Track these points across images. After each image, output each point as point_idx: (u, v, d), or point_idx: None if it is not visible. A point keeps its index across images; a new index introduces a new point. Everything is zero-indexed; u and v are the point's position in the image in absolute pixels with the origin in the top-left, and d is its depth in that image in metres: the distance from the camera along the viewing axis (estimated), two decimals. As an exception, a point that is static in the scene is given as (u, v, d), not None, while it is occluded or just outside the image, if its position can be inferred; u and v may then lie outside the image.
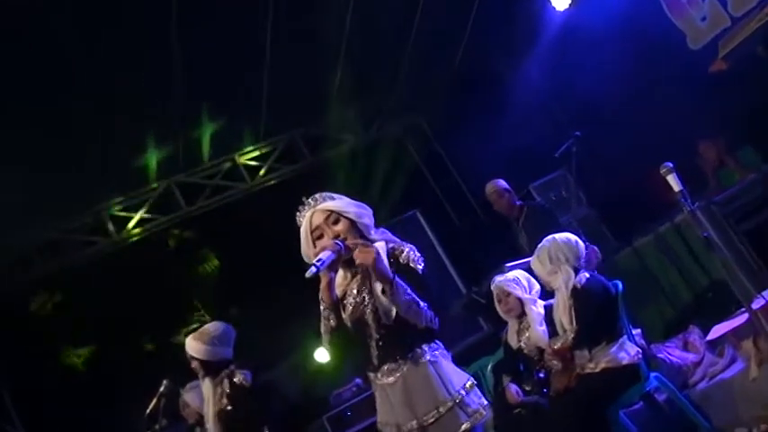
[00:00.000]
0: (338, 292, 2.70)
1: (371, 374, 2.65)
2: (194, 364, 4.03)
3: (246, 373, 3.96)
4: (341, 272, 2.72)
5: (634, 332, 4.04)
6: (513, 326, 4.39)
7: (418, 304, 2.53)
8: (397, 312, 2.53)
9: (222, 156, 7.81)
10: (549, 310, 4.17)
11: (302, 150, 8.19)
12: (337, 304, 2.61)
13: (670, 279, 5.72)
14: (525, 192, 7.03)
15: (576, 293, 3.89)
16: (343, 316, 2.68)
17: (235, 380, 3.92)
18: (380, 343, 2.59)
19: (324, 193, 2.71)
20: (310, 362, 7.34)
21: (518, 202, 6.02)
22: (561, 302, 3.97)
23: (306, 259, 2.69)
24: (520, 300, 4.27)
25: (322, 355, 7.34)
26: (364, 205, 2.72)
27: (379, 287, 2.56)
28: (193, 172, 7.73)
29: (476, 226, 8.25)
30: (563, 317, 3.94)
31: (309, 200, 2.68)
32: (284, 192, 7.60)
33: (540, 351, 4.18)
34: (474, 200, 8.39)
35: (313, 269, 2.47)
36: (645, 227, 5.93)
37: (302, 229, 2.66)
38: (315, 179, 7.72)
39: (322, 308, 2.60)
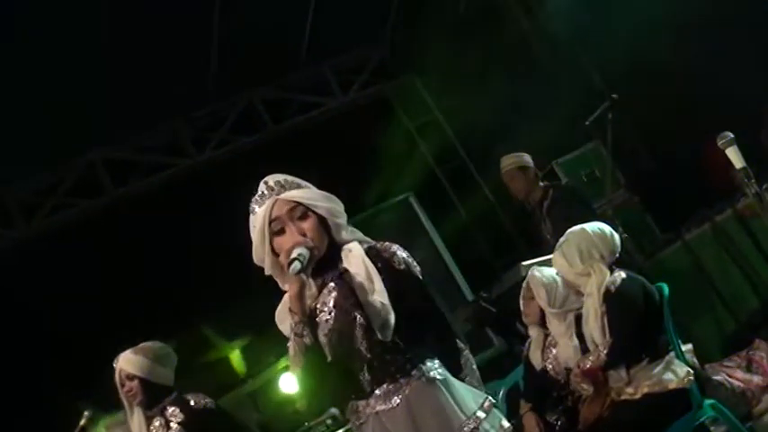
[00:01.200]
0: (302, 308, 2.65)
1: (359, 403, 2.65)
2: (130, 387, 4.03)
3: (203, 397, 4.00)
4: (304, 280, 2.67)
5: (684, 348, 4.07)
6: (536, 339, 4.46)
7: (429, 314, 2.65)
8: (399, 323, 2.56)
9: (158, 123, 7.87)
10: (579, 319, 4.22)
11: (262, 117, 8.22)
12: (311, 316, 2.61)
13: (731, 281, 5.74)
14: (548, 170, 7.04)
15: (610, 299, 3.92)
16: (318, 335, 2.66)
17: (191, 403, 3.96)
18: (375, 363, 2.60)
19: (288, 178, 2.70)
20: (271, 392, 7.35)
21: (540, 184, 6.02)
22: (592, 310, 3.99)
23: (257, 260, 2.70)
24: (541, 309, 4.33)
25: (288, 383, 7.34)
26: (337, 199, 2.72)
27: (371, 296, 2.58)
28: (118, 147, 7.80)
29: (485, 213, 8.28)
30: (594, 329, 3.98)
31: (272, 184, 2.67)
32: (235, 171, 7.59)
33: (569, 373, 4.22)
34: (482, 179, 8.42)
35: (297, 264, 2.49)
36: (699, 215, 5.95)
37: (257, 221, 2.65)
38: (277, 154, 7.77)
39: (293, 322, 2.59)
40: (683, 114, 6.44)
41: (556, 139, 7.20)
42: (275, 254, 2.64)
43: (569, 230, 4.17)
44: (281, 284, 2.69)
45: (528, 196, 5.97)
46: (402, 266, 2.65)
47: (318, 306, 2.67)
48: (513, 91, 7.24)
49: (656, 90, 6.69)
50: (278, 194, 2.65)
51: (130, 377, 4.01)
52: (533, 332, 4.49)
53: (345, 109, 8.45)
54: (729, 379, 4.67)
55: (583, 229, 4.11)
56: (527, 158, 5.95)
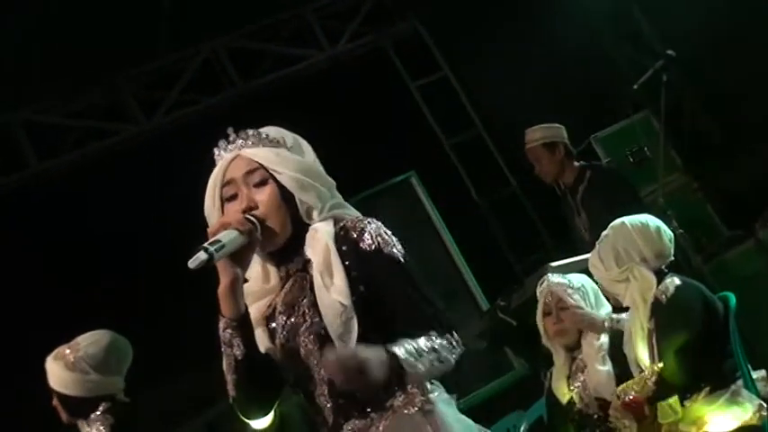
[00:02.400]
0: (257, 303, 2.64)
1: None
2: (54, 402, 3.97)
3: (104, 419, 3.91)
4: (258, 268, 2.66)
5: (754, 375, 4.07)
6: (561, 364, 4.52)
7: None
8: (367, 329, 2.47)
9: (94, 80, 7.80)
10: (615, 339, 4.26)
11: (228, 72, 8.20)
12: (245, 320, 2.54)
13: (814, 292, 5.73)
14: (585, 146, 7.06)
15: (661, 311, 3.91)
16: (270, 345, 2.62)
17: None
18: (334, 388, 2.51)
19: (268, 132, 2.67)
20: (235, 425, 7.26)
21: (575, 164, 6.04)
22: (637, 326, 3.99)
23: (210, 222, 2.66)
24: (582, 319, 4.36)
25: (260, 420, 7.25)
26: (320, 172, 2.68)
27: (326, 293, 2.50)
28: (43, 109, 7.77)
29: (505, 200, 8.30)
30: (639, 349, 3.98)
31: (239, 136, 2.64)
32: (194, 140, 7.45)
33: (603, 405, 4.22)
34: (502, 157, 8.43)
35: (202, 255, 2.39)
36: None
37: (211, 178, 2.65)
38: (245, 120, 7.59)
39: (221, 327, 2.54)
40: (760, 79, 6.41)
41: (596, 107, 7.23)
42: None
43: (611, 225, 4.17)
44: None
45: (558, 179, 5.97)
46: (373, 246, 2.55)
47: (276, 305, 2.64)
48: (544, 44, 7.26)
49: (725, 47, 6.66)
50: (241, 148, 2.62)
51: (53, 392, 3.96)
52: (558, 356, 4.54)
53: (331, 64, 8.45)
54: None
55: (622, 224, 4.12)
56: (558, 131, 5.98)
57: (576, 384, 4.41)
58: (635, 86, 5.99)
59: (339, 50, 8.49)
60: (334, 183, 2.70)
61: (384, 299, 2.51)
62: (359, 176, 7.59)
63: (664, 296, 3.91)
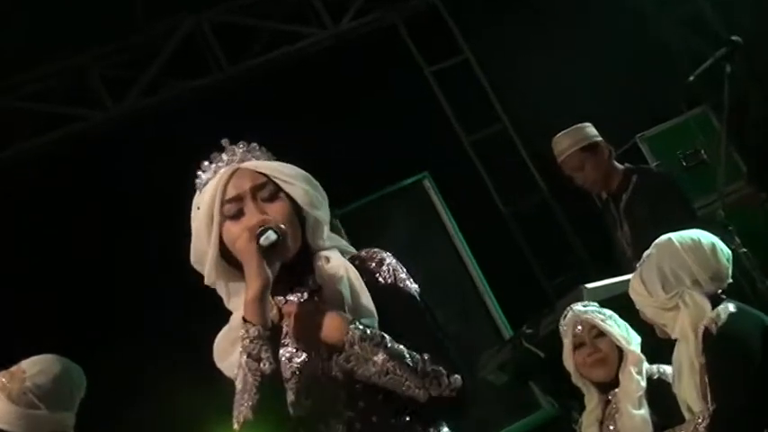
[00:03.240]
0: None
1: None
2: None
3: None
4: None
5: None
6: (593, 407, 4.58)
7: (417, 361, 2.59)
8: (384, 370, 2.56)
9: (55, 59, 7.82)
10: (657, 380, 4.38)
11: (214, 53, 8.22)
12: (275, 331, 2.61)
13: None
14: (629, 146, 7.09)
15: (713, 344, 3.87)
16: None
17: None
18: (356, 425, 2.61)
19: (255, 145, 2.75)
20: None
21: (619, 166, 6.06)
22: (686, 361, 3.97)
23: (194, 259, 2.73)
24: (619, 351, 4.43)
25: None
26: (319, 186, 2.76)
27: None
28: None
29: (534, 208, 8.32)
30: (688, 389, 3.97)
31: (234, 147, 2.72)
32: (171, 130, 7.63)
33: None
34: (532, 161, 8.42)
35: (272, 235, 2.54)
36: None
37: (205, 196, 2.69)
38: (233, 108, 7.78)
39: (246, 340, 2.57)
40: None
41: (643, 101, 7.22)
42: (224, 248, 2.65)
43: (654, 243, 4.13)
44: (226, 301, 2.72)
45: (603, 187, 5.92)
46: (389, 280, 2.69)
47: (285, 338, 2.69)
48: (585, 26, 7.30)
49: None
50: (240, 162, 2.68)
51: None
52: (590, 397, 4.58)
53: (334, 44, 8.47)
54: None
55: (669, 241, 4.08)
56: (591, 129, 6.00)
57: (609, 430, 4.44)
58: (691, 78, 5.93)
59: (343, 29, 8.49)
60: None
61: (399, 331, 2.60)
62: (363, 177, 7.64)
63: (714, 325, 3.86)
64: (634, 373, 4.39)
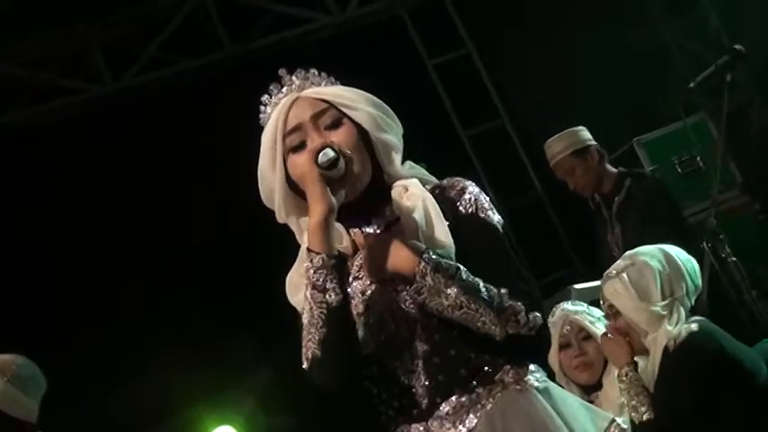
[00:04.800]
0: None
1: (410, 427, 2.59)
2: None
3: None
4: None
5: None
6: None
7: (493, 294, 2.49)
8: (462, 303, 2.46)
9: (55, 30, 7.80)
10: None
11: (216, 31, 8.19)
12: (342, 260, 2.53)
13: None
14: (625, 150, 7.11)
15: (665, 359, 3.88)
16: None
17: None
18: (435, 360, 2.54)
19: (314, 71, 2.68)
20: None
21: (612, 169, 6.08)
22: (652, 375, 3.98)
23: (264, 198, 2.65)
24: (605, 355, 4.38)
25: None
26: (389, 110, 2.68)
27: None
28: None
29: (528, 206, 8.33)
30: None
31: (292, 76, 2.66)
32: (171, 108, 7.63)
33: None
34: (529, 159, 8.42)
35: (330, 152, 2.45)
36: None
37: (267, 130, 2.63)
38: (233, 87, 7.58)
39: (311, 268, 2.49)
40: None
41: (642, 104, 7.28)
42: (292, 182, 2.58)
43: (638, 250, 4.12)
44: (298, 238, 2.63)
45: (595, 190, 5.92)
46: (470, 209, 2.60)
47: (354, 271, 2.62)
48: (591, 27, 7.29)
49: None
50: (300, 90, 2.63)
51: None
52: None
53: (337, 32, 8.44)
54: None
55: (662, 250, 4.07)
56: (584, 134, 6.02)
57: None
58: (691, 84, 5.92)
59: (348, 16, 8.45)
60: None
61: (478, 263, 2.52)
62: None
63: (673, 342, 3.87)
64: (612, 381, 4.31)
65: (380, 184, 2.61)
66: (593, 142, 5.98)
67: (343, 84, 2.68)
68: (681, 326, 3.89)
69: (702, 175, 6.91)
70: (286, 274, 2.65)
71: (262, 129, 2.64)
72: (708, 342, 3.87)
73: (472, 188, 2.62)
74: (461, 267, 2.46)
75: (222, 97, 7.68)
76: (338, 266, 2.48)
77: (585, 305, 4.58)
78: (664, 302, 3.95)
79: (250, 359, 7.48)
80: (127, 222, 7.29)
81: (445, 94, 8.61)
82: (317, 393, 2.57)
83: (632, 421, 3.91)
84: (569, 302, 4.66)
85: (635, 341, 4.03)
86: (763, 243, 6.93)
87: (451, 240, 2.52)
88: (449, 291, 2.42)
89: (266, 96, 2.64)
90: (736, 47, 5.72)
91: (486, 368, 2.52)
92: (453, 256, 2.51)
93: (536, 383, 2.54)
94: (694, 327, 3.88)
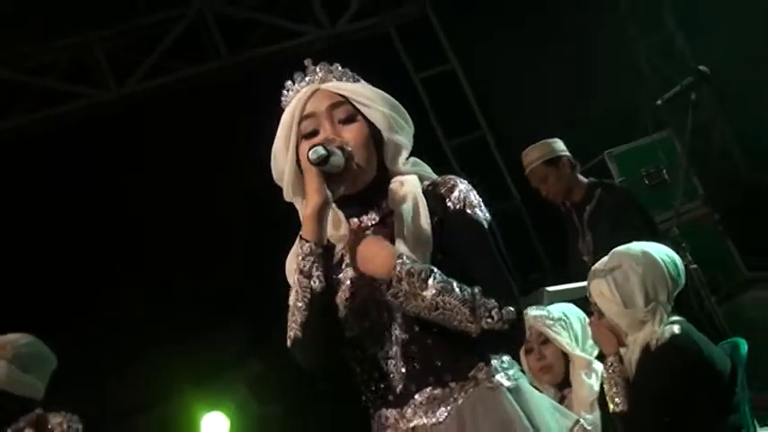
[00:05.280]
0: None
1: (387, 413, 2.60)
2: None
3: (71, 418, 4.01)
4: (332, 212, 2.62)
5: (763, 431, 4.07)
6: None
7: (473, 294, 2.48)
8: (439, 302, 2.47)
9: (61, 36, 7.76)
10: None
11: (214, 40, 8.19)
12: (328, 249, 2.55)
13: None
14: (596, 162, 7.09)
15: (645, 359, 3.87)
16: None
17: (50, 427, 3.96)
18: (413, 349, 2.55)
19: (337, 66, 2.69)
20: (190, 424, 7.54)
21: (584, 180, 6.07)
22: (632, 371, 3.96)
23: (276, 176, 2.66)
24: (566, 355, 4.36)
25: (215, 426, 7.50)
26: (403, 110, 2.70)
27: (412, 247, 2.51)
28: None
29: (504, 211, 8.23)
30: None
31: (316, 68, 2.67)
32: (173, 112, 7.60)
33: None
34: (507, 169, 8.41)
35: (321, 150, 2.43)
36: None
37: (286, 114, 2.65)
38: (229, 97, 7.72)
39: (300, 254, 2.52)
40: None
41: (614, 120, 7.27)
42: (300, 165, 2.59)
43: (625, 252, 4.06)
44: (300, 215, 2.62)
45: (566, 197, 5.93)
46: (458, 206, 2.59)
47: (347, 259, 2.63)
48: (568, 45, 7.30)
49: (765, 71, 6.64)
50: (321, 82, 2.64)
51: None
52: (546, 395, 4.48)
53: (327, 45, 8.43)
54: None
55: (647, 254, 4.01)
56: (557, 145, 6.01)
57: None
58: (659, 102, 5.94)
59: (338, 31, 8.46)
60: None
61: (462, 258, 2.53)
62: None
63: (655, 341, 3.85)
64: (584, 379, 4.30)
65: (383, 179, 2.62)
66: (566, 153, 5.96)
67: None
68: (663, 327, 3.87)
69: (667, 187, 6.91)
70: (277, 269, 2.66)
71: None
72: (688, 344, 3.86)
73: (462, 186, 2.61)
74: (435, 270, 2.45)
75: (220, 102, 7.69)
76: (324, 255, 2.50)
77: (546, 309, 4.51)
78: (647, 309, 3.90)
79: (241, 349, 7.49)
80: (128, 221, 7.27)
81: (430, 106, 8.60)
82: (306, 383, 2.61)
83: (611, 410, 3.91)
84: (532, 308, 4.55)
85: (617, 336, 4.00)
86: (722, 253, 6.97)
87: (430, 239, 2.52)
88: (424, 293, 2.42)
89: (290, 82, 2.66)
90: (701, 68, 5.74)
91: (460, 361, 2.53)
92: (429, 253, 2.51)
93: (507, 383, 2.54)
94: (676, 329, 3.85)
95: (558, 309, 4.45)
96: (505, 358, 2.59)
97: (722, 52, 6.49)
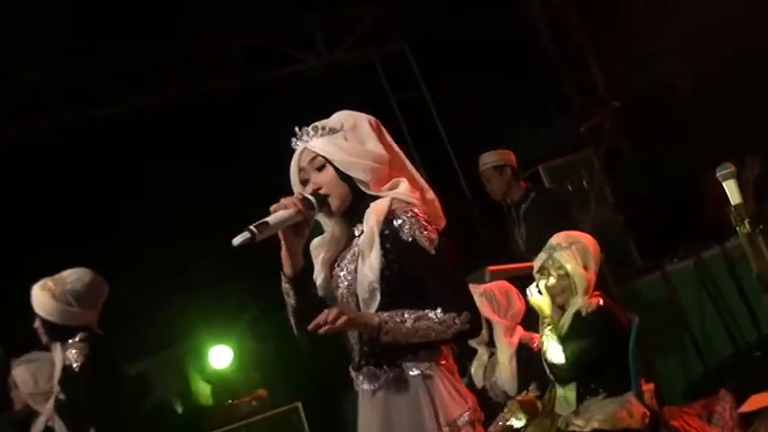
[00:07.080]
0: (325, 255, 2.79)
1: (353, 372, 2.74)
2: (36, 324, 4.05)
3: (81, 347, 3.94)
4: (333, 227, 2.79)
5: (644, 387, 4.11)
6: (480, 357, 4.55)
7: (427, 320, 2.54)
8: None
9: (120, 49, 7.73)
10: (526, 345, 4.32)
11: (236, 62, 8.21)
12: (298, 277, 2.71)
13: (706, 323, 5.81)
14: (533, 172, 7.10)
15: (579, 323, 3.94)
16: (329, 287, 2.77)
17: (66, 361, 3.95)
18: (365, 337, 2.63)
19: (329, 123, 2.75)
20: (198, 364, 7.56)
21: (522, 184, 6.03)
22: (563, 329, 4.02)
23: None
24: (488, 322, 4.36)
25: (221, 356, 7.51)
26: (368, 151, 2.72)
27: (362, 266, 2.63)
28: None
29: (458, 206, 8.20)
30: (555, 355, 4.00)
31: (305, 132, 2.75)
32: (203, 116, 7.65)
33: (507, 397, 4.30)
34: (463, 173, 8.43)
35: (246, 234, 2.51)
36: (684, 248, 6.02)
37: (292, 165, 2.79)
38: (247, 108, 7.78)
39: (282, 281, 2.72)
40: (688, 139, 6.44)
41: (548, 139, 7.26)
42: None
43: (570, 233, 4.17)
44: (323, 225, 2.81)
45: (506, 198, 5.98)
46: (409, 239, 2.61)
47: (341, 261, 2.76)
48: (515, 81, 7.25)
49: (666, 107, 6.67)
50: (306, 142, 2.74)
51: (35, 314, 4.02)
52: (479, 351, 4.56)
53: (325, 70, 8.47)
54: (687, 427, 4.71)
55: (593, 241, 4.13)
56: (506, 156, 5.94)
57: (489, 377, 4.44)
58: (582, 128, 6.01)
59: (333, 60, 8.48)
60: (389, 156, 2.74)
61: (412, 276, 2.59)
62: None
63: (585, 309, 3.94)
64: (504, 343, 4.34)
65: (362, 200, 2.70)
66: (512, 163, 5.90)
67: (329, 109, 2.81)
68: (590, 300, 3.97)
69: (585, 195, 6.93)
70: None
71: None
72: (611, 312, 3.98)
73: (410, 221, 2.61)
74: (405, 312, 2.52)
75: (241, 111, 7.75)
76: (295, 282, 2.69)
77: (476, 286, 4.43)
78: (593, 277, 4.02)
79: (243, 297, 7.50)
80: (157, 200, 7.23)
81: (403, 122, 8.61)
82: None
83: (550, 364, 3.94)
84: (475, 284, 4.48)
85: (562, 300, 4.05)
86: (623, 247, 6.99)
87: (378, 264, 2.58)
88: (403, 329, 2.51)
89: (294, 138, 2.74)
90: (615, 103, 5.82)
91: (394, 352, 2.60)
92: (377, 279, 2.58)
93: (425, 371, 2.59)
94: (602, 300, 3.97)
95: (489, 284, 4.49)
96: (435, 351, 2.62)
97: (630, 92, 6.49)
